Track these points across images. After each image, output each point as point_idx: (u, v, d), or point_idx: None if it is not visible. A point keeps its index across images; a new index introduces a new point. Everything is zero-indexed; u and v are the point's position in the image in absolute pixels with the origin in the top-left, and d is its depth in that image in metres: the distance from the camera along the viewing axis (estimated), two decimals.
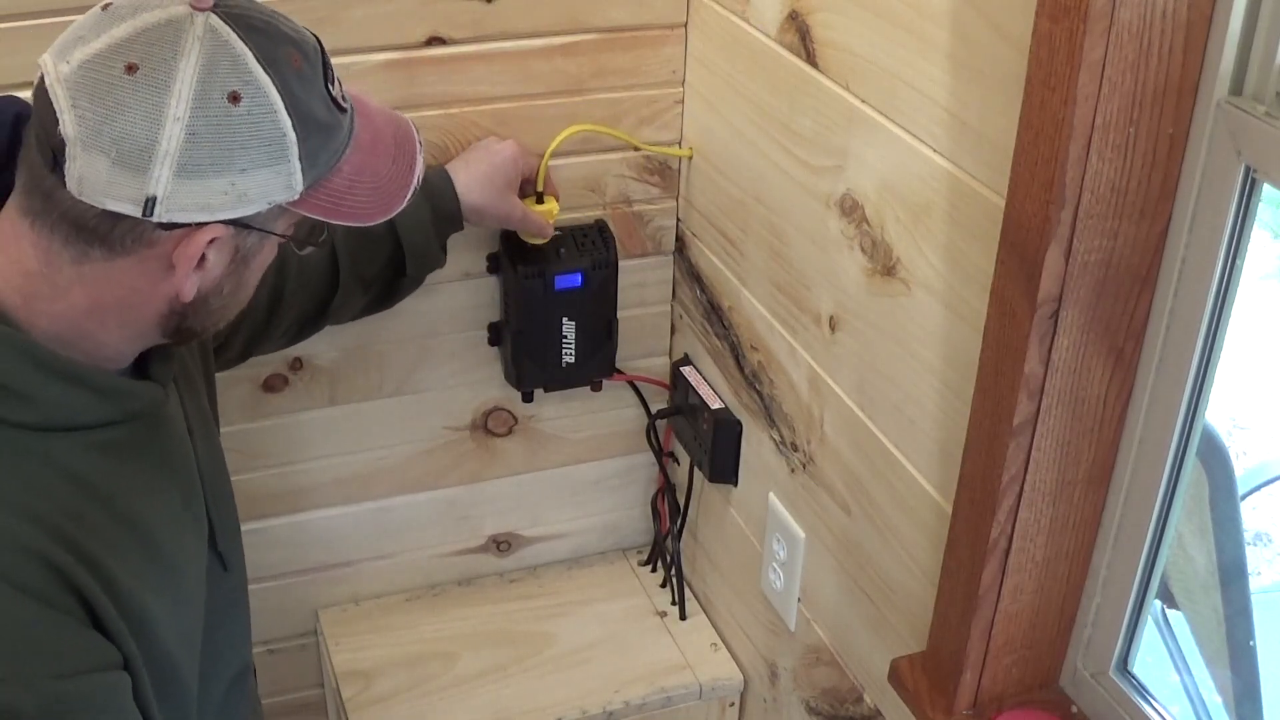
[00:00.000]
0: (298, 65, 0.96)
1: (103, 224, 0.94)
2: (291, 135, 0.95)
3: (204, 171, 0.92)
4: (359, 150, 1.03)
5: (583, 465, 1.83)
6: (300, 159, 0.96)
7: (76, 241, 0.95)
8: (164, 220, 0.93)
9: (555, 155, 1.54)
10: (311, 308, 1.44)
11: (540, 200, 1.56)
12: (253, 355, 1.43)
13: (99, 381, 1.00)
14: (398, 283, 1.49)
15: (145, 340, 1.05)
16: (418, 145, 1.09)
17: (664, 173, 1.65)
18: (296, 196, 0.97)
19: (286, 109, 0.94)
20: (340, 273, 1.43)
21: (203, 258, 0.97)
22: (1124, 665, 1.17)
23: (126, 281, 0.97)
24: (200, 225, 0.95)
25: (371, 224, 1.05)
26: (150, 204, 0.92)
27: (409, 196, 1.07)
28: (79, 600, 0.96)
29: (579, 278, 1.60)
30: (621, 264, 1.64)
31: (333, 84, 1.00)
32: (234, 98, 0.92)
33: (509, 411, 1.74)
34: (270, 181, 0.95)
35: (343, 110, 1.01)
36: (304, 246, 1.06)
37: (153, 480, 1.06)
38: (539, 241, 1.56)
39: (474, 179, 1.48)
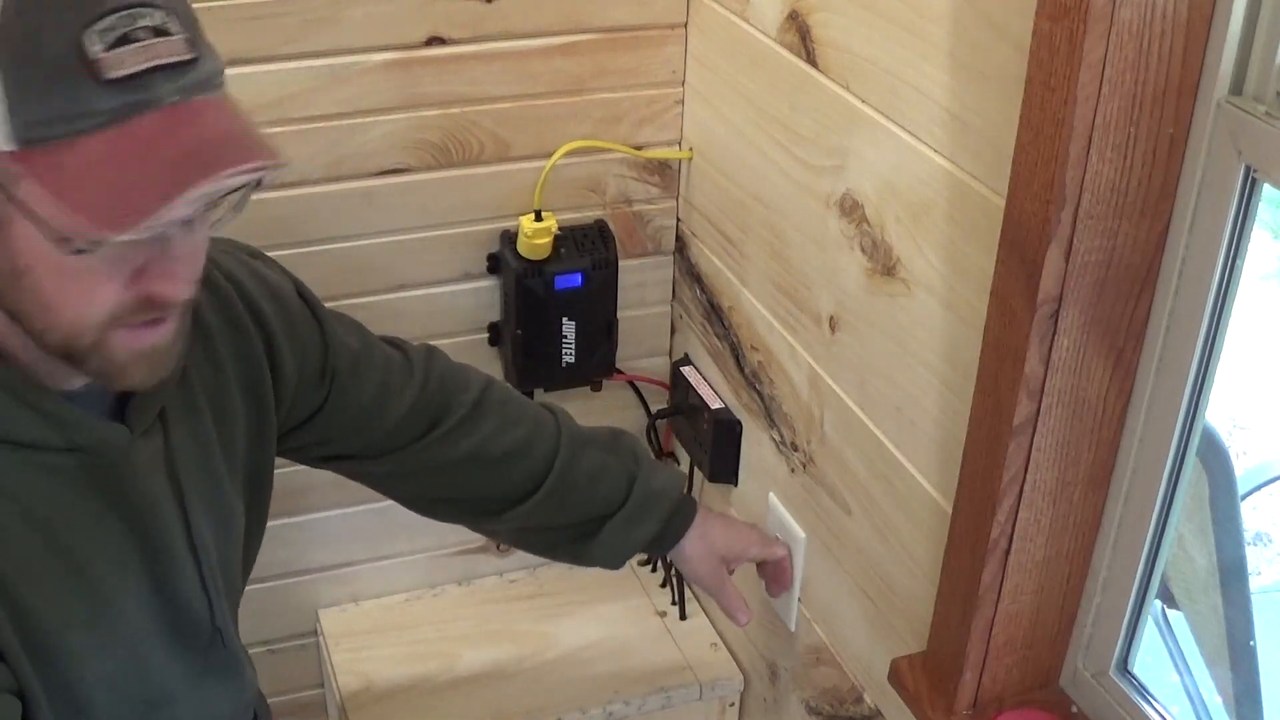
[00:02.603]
0: None
1: None
2: None
3: None
4: (126, 138, 0.82)
5: None
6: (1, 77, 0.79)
7: None
8: None
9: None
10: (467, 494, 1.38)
11: (539, 218, 1.56)
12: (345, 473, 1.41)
13: (37, 400, 0.95)
14: (569, 543, 1.42)
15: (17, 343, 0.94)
16: (241, 173, 0.84)
17: (664, 173, 1.65)
18: (13, 146, 0.81)
19: None
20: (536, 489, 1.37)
21: None
22: (1124, 665, 1.16)
23: None
24: None
25: (104, 235, 0.83)
26: None
27: (155, 215, 0.83)
28: None
29: (579, 278, 1.60)
30: (621, 264, 1.63)
31: (105, 46, 0.81)
32: None
33: None
34: None
35: (108, 82, 0.81)
36: (67, 247, 0.84)
37: (102, 517, 1.01)
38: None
39: (705, 534, 1.43)
